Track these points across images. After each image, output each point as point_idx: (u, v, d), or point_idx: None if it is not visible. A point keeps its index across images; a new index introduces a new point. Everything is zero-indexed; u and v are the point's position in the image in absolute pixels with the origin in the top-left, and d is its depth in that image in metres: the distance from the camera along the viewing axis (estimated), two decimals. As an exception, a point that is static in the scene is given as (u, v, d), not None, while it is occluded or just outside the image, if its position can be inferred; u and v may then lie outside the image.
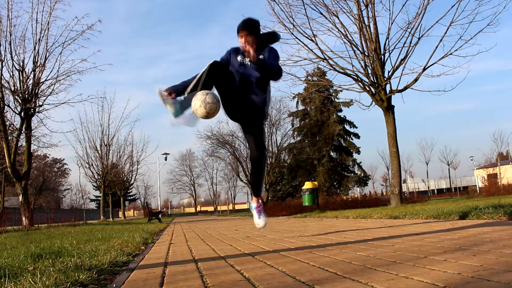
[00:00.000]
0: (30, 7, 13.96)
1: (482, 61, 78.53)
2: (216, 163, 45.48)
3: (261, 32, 3.36)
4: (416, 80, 11.78)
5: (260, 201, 3.56)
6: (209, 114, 2.93)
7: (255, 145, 3.34)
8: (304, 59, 12.59)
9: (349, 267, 1.84)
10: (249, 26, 3.24)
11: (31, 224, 12.42)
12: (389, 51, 12.07)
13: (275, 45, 3.43)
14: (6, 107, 12.87)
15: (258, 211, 3.52)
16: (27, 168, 13.20)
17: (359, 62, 12.36)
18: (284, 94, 53.94)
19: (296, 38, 12.31)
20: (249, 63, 3.22)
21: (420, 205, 10.11)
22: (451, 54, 11.36)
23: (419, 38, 11.65)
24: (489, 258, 1.80)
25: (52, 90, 13.13)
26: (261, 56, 3.23)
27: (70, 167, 55.78)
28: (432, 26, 11.57)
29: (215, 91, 3.14)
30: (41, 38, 12.93)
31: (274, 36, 3.44)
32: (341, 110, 36.45)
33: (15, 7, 21.65)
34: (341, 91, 30.57)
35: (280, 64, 3.40)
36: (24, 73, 12.77)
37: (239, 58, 3.28)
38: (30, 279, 1.83)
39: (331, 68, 12.56)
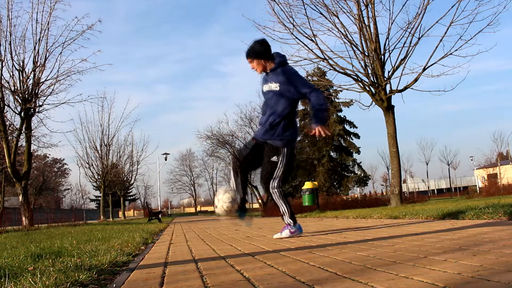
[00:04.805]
0: (30, 7, 13.97)
1: (482, 61, 78.73)
2: (216, 163, 45.40)
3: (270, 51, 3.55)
4: (416, 80, 11.78)
5: (288, 225, 3.60)
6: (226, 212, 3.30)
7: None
8: (304, 59, 12.57)
9: (349, 267, 1.84)
10: (251, 53, 3.51)
11: (31, 224, 12.42)
12: (389, 51, 12.08)
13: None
14: (6, 107, 12.87)
15: (282, 230, 3.63)
16: (27, 168, 13.19)
17: (359, 62, 12.37)
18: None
19: (296, 38, 12.33)
20: (272, 86, 3.52)
21: (420, 205, 10.11)
22: (451, 54, 11.37)
23: (419, 38, 11.66)
24: (489, 258, 1.79)
25: (52, 90, 13.14)
26: (274, 81, 3.49)
27: (70, 167, 55.82)
28: (432, 26, 11.58)
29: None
30: (41, 38, 12.93)
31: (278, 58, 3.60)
32: (341, 110, 36.47)
33: (15, 7, 21.57)
34: (341, 91, 30.61)
35: (307, 84, 3.56)
36: (24, 73, 12.77)
37: (264, 87, 3.61)
38: (30, 279, 1.83)
39: (331, 68, 12.56)
